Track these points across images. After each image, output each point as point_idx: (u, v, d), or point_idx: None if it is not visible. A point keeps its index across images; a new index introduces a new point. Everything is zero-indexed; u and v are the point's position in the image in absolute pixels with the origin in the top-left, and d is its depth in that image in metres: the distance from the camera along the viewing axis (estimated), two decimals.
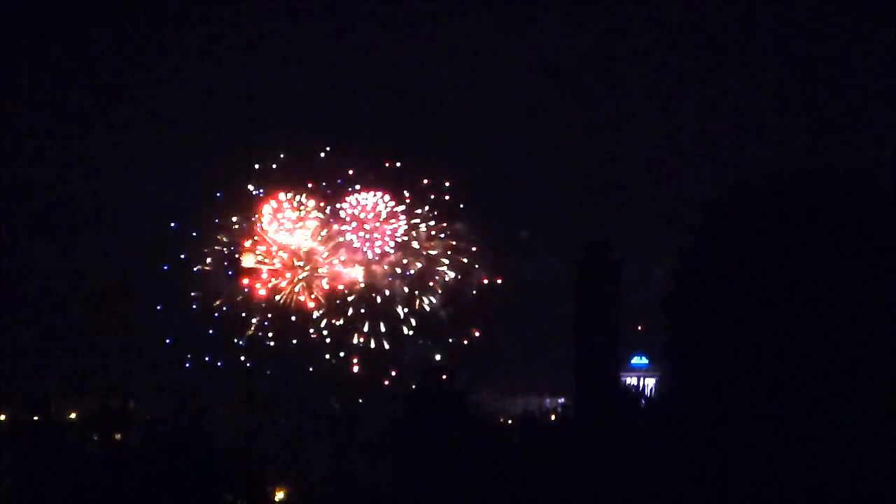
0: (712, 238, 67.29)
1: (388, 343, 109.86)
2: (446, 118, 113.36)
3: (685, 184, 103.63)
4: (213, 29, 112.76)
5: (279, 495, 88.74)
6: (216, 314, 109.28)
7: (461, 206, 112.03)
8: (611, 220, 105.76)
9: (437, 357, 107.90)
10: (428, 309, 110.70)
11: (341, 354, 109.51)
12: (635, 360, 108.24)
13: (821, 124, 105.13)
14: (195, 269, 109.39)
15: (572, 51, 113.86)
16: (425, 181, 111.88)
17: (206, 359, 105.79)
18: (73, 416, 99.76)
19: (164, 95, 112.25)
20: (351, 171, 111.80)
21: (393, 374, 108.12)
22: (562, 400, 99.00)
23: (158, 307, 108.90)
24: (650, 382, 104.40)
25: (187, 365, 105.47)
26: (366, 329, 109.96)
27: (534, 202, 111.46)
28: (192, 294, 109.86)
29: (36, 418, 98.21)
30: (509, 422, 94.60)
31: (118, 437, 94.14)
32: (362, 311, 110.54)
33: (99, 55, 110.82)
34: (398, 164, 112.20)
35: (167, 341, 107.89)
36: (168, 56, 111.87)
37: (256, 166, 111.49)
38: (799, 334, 62.21)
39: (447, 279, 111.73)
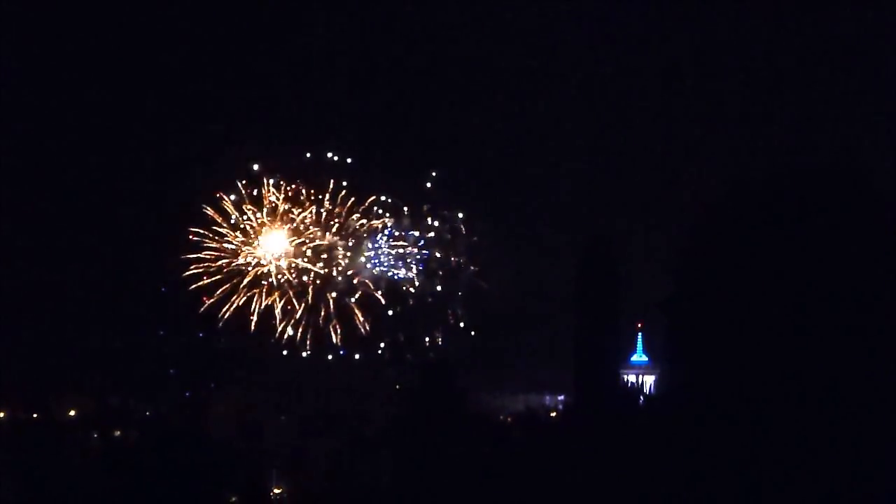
0: (710, 237, 67.32)
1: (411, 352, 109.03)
2: (443, 118, 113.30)
3: (687, 180, 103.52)
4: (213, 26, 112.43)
5: (278, 492, 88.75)
6: (221, 339, 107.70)
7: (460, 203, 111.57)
8: (612, 218, 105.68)
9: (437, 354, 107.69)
10: (452, 320, 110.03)
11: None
12: (635, 358, 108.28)
13: (818, 121, 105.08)
14: (192, 287, 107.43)
15: (571, 49, 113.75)
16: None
17: (212, 385, 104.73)
18: (72, 413, 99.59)
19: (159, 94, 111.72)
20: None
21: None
22: (561, 397, 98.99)
23: (161, 332, 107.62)
24: (649, 380, 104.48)
25: (187, 394, 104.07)
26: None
27: (535, 199, 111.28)
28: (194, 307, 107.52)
29: (35, 416, 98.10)
30: (509, 419, 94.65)
31: (118, 434, 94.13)
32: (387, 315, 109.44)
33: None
34: (434, 174, 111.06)
35: (170, 371, 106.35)
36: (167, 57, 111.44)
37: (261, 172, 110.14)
38: (798, 332, 62.22)
39: (471, 279, 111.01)
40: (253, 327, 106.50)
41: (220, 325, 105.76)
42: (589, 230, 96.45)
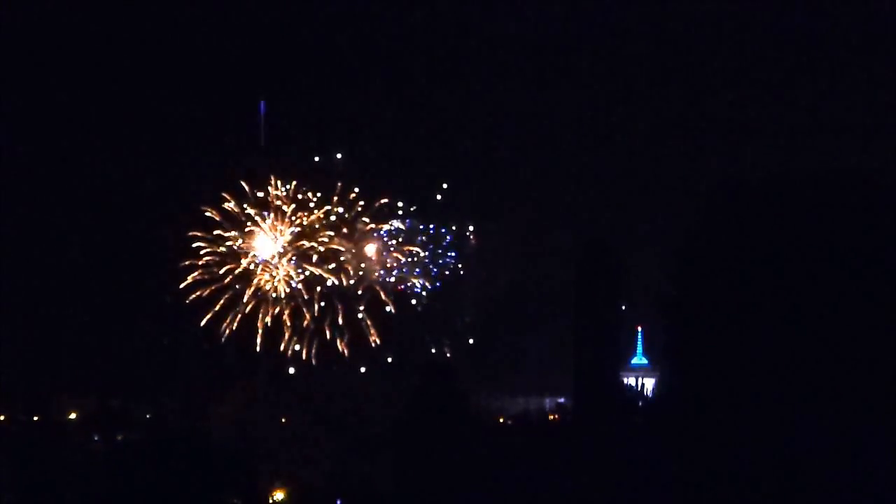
0: (709, 238, 67.45)
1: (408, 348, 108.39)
2: (441, 116, 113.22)
3: (686, 182, 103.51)
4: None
5: (279, 495, 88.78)
6: (225, 349, 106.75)
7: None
8: (611, 221, 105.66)
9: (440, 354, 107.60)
10: (460, 325, 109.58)
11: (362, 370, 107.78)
12: (635, 360, 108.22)
13: (816, 123, 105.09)
14: (196, 294, 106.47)
15: (569, 48, 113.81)
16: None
17: (213, 387, 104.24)
18: (73, 416, 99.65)
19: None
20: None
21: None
22: (561, 400, 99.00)
23: (163, 334, 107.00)
24: (649, 383, 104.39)
25: (188, 397, 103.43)
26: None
27: (534, 200, 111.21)
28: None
29: (36, 418, 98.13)
30: (509, 422, 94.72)
31: (119, 437, 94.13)
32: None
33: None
34: (445, 185, 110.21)
35: (172, 373, 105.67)
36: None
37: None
38: (797, 332, 62.34)
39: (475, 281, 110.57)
40: (259, 338, 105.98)
41: (224, 333, 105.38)
42: (588, 233, 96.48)
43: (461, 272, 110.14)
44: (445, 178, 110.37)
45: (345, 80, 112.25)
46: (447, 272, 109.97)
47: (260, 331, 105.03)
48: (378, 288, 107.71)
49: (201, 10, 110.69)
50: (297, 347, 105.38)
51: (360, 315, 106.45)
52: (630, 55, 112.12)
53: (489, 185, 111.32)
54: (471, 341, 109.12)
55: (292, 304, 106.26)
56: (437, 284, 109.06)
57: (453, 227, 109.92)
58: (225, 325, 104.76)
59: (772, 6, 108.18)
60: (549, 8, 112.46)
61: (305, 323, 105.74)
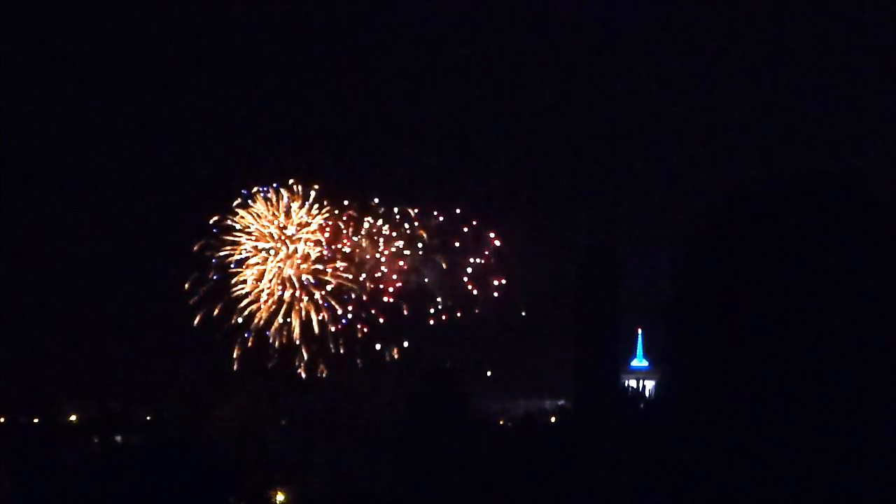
0: (708, 241, 67.59)
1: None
2: (441, 117, 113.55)
3: (685, 187, 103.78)
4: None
5: (280, 497, 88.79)
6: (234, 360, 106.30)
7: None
8: (611, 224, 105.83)
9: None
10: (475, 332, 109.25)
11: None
12: (635, 363, 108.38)
13: (814, 127, 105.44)
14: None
15: (571, 52, 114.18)
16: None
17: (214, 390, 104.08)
18: (73, 418, 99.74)
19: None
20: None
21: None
22: (561, 402, 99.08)
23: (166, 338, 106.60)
24: (649, 384, 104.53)
25: (188, 400, 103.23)
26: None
27: (536, 205, 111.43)
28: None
29: (36, 421, 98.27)
30: (509, 424, 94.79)
31: (118, 439, 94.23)
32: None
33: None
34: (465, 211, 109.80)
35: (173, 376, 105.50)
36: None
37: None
38: (796, 334, 62.47)
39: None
40: (275, 354, 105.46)
41: (239, 344, 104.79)
42: (589, 237, 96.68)
43: (476, 279, 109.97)
44: (456, 188, 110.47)
45: (359, 89, 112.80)
46: (465, 279, 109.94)
47: (276, 344, 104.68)
48: (395, 297, 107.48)
49: (221, 11, 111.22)
50: (311, 363, 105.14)
51: (377, 327, 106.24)
52: (630, 62, 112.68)
53: (492, 190, 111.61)
54: (477, 345, 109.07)
55: (307, 314, 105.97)
56: (454, 292, 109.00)
57: (467, 233, 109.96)
58: (236, 336, 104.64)
59: (771, 10, 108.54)
60: (556, 16, 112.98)
61: (333, 329, 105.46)
